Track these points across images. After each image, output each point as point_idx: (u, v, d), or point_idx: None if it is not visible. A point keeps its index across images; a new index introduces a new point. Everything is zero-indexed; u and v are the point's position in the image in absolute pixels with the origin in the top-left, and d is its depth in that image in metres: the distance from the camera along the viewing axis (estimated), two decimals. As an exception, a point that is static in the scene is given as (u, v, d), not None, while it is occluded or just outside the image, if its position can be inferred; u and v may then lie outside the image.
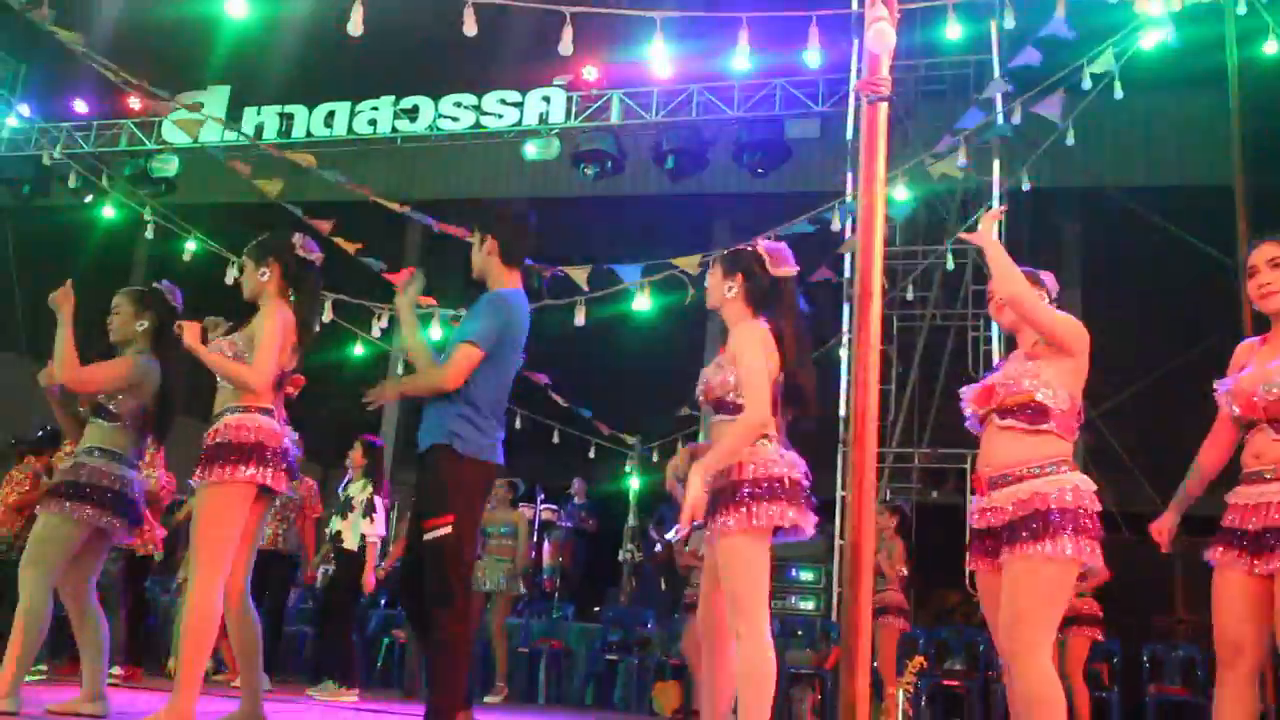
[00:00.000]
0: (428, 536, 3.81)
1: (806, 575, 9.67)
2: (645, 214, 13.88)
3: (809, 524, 3.51)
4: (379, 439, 8.04)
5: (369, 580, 7.52)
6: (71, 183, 10.83)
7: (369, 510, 7.49)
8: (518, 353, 4.07)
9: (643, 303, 8.69)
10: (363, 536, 7.56)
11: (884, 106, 2.99)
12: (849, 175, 10.82)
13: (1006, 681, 3.31)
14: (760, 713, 3.36)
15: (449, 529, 3.76)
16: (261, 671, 4.33)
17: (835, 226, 8.69)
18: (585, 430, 11.46)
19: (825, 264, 9.53)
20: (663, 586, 11.24)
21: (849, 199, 9.39)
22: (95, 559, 4.61)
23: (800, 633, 9.21)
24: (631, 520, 11.29)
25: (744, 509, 3.44)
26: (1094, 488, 3.29)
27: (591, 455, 11.28)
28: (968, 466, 10.09)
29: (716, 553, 3.50)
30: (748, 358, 3.59)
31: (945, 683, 8.68)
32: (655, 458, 11.59)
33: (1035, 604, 3.19)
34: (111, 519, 4.44)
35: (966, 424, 3.60)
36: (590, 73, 12.69)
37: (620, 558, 11.06)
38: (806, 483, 3.56)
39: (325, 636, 7.81)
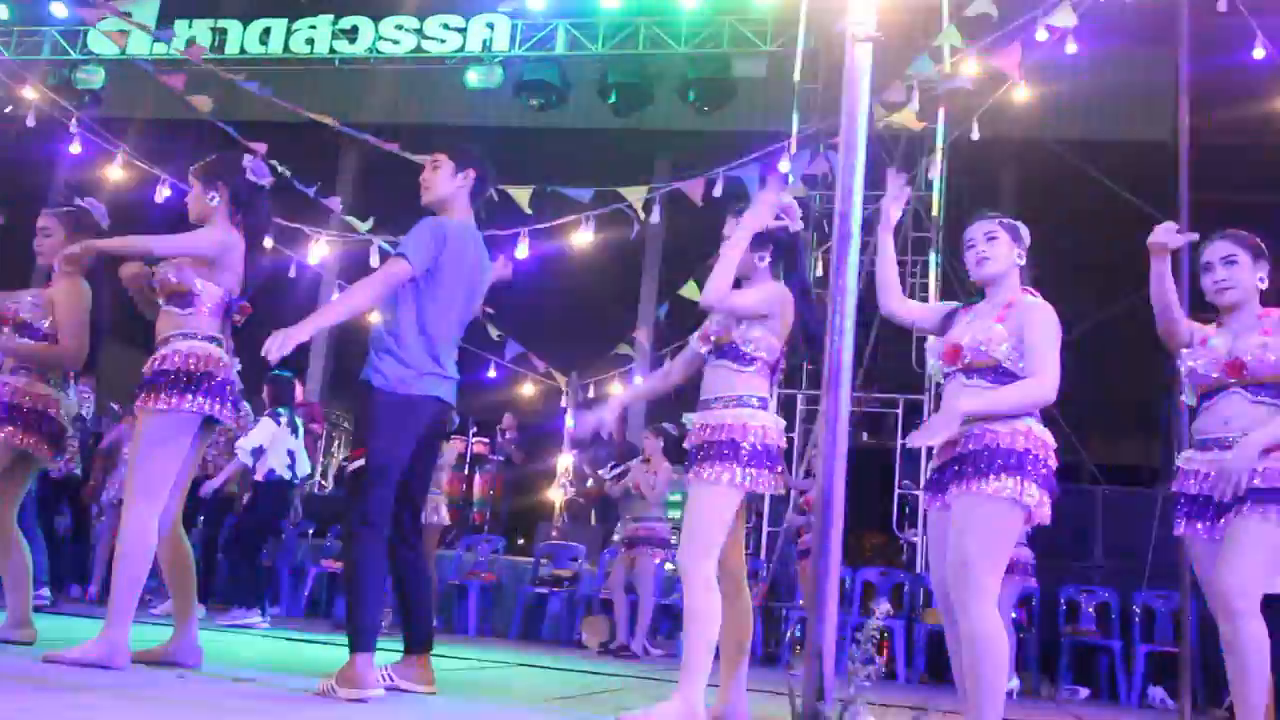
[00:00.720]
0: (349, 466, 3.86)
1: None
2: (587, 147, 13.70)
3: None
4: (287, 372, 7.99)
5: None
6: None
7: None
8: (464, 288, 3.97)
9: (585, 235, 8.59)
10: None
11: (868, 46, 2.95)
12: (794, 116, 10.78)
13: (948, 623, 3.37)
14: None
15: (361, 462, 3.76)
16: (195, 600, 4.27)
17: (784, 169, 8.64)
18: (521, 365, 11.39)
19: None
20: (593, 522, 11.34)
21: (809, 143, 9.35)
22: (19, 485, 4.49)
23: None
24: (566, 457, 11.29)
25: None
26: (1050, 438, 3.34)
27: (527, 391, 11.24)
28: (899, 411, 10.23)
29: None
30: None
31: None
32: (590, 394, 11.58)
33: (982, 546, 3.22)
34: (35, 441, 4.32)
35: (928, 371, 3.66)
36: (536, 1, 12.42)
37: (551, 493, 11.09)
38: None
39: (231, 564, 7.89)
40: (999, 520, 3.23)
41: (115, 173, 9.79)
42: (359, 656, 3.60)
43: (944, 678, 8.62)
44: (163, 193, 8.99)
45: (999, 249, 3.50)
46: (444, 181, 4.05)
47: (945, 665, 8.76)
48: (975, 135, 8.09)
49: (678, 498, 8.75)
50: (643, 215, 8.57)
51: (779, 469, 3.73)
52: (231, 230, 4.10)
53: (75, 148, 9.44)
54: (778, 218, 3.89)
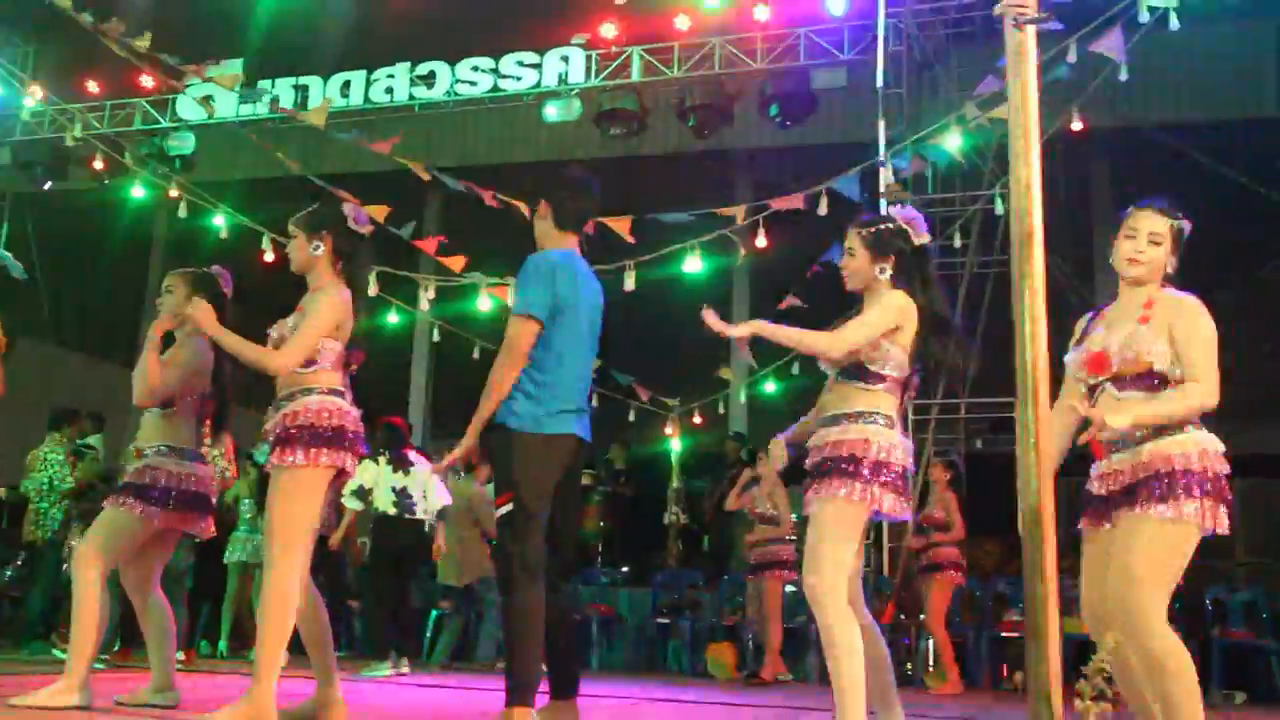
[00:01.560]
0: (496, 513, 3.77)
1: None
2: (669, 172, 13.65)
3: None
4: (400, 420, 8.09)
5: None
6: (97, 163, 10.65)
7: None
8: (579, 314, 3.88)
9: (694, 262, 8.54)
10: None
11: (1032, 30, 2.80)
12: (880, 124, 10.59)
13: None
14: None
15: (508, 507, 3.69)
16: (334, 655, 4.22)
17: (888, 179, 8.47)
18: (625, 394, 11.31)
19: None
20: (705, 547, 11.19)
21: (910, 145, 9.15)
22: (163, 552, 4.51)
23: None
24: (675, 483, 11.15)
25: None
26: (1218, 444, 3.15)
27: (631, 419, 11.16)
28: (1014, 415, 9.89)
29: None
30: None
31: (1005, 634, 8.57)
32: (696, 420, 11.47)
33: (1154, 568, 3.07)
34: (180, 515, 4.34)
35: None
36: (609, 30, 12.41)
37: (665, 521, 10.95)
38: None
39: (361, 613, 7.90)
40: (1178, 543, 3.09)
41: (214, 233, 9.98)
42: (516, 711, 3.50)
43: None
44: (266, 248, 9.08)
45: (1157, 255, 3.33)
46: (536, 224, 4.04)
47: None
48: (1076, 125, 7.83)
49: (794, 517, 8.61)
50: (734, 238, 8.45)
51: (904, 490, 3.57)
52: (340, 283, 4.07)
53: (182, 211, 9.64)
54: (900, 229, 3.76)
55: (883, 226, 3.80)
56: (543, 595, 3.68)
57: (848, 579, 3.52)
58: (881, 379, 3.61)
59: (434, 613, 9.46)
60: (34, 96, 11.14)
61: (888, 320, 3.61)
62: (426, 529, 7.83)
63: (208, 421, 4.63)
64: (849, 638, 3.40)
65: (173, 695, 4.43)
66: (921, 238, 3.78)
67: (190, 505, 4.38)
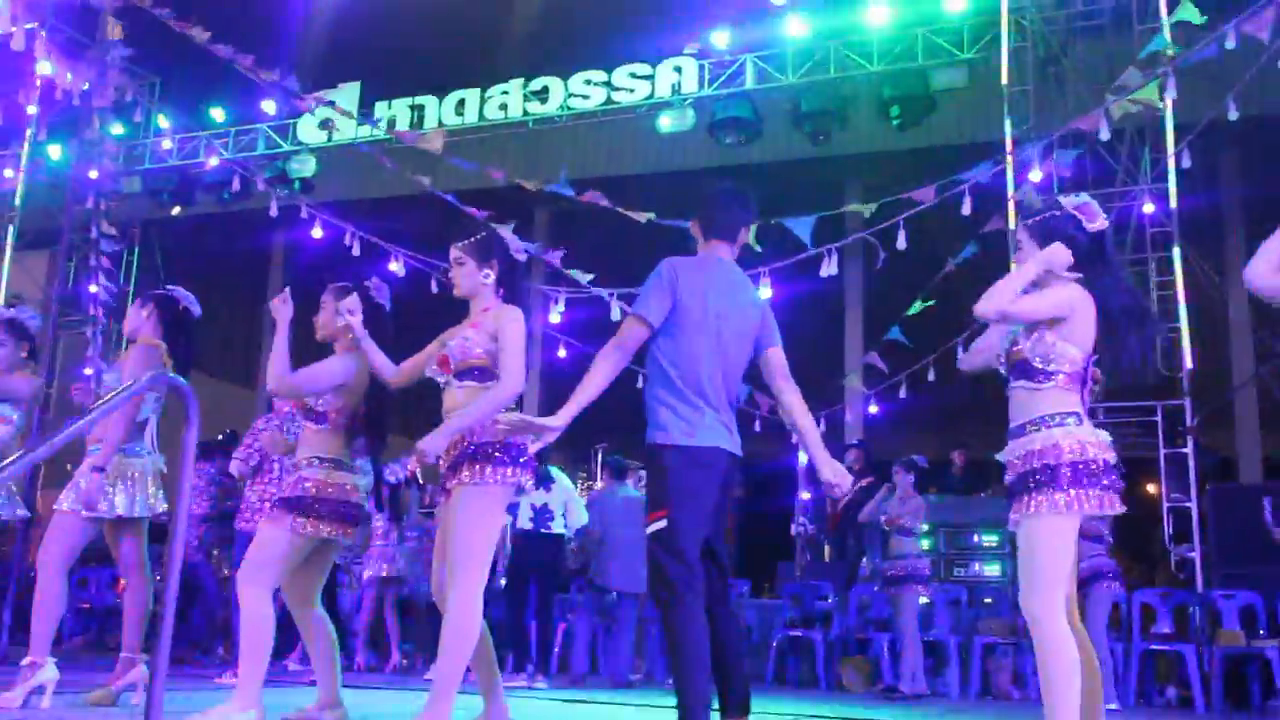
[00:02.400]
0: (648, 529, 3.67)
1: (990, 539, 9.30)
2: (782, 179, 13.51)
3: None
4: None
5: None
6: (235, 186, 10.93)
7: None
8: (714, 322, 3.71)
9: (830, 268, 8.41)
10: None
11: None
12: (1007, 123, 10.32)
13: None
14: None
15: (662, 523, 3.59)
16: (498, 668, 4.18)
17: (1036, 174, 8.25)
18: (746, 403, 11.19)
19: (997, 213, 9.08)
20: (826, 558, 10.99)
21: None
22: (323, 569, 4.51)
23: (989, 600, 8.84)
24: (802, 493, 10.99)
25: None
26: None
27: (757, 429, 11.04)
28: (1159, 418, 9.55)
29: None
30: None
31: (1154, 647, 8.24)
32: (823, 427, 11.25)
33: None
34: (338, 529, 4.33)
35: None
36: (721, 38, 12.34)
37: (793, 531, 10.79)
38: None
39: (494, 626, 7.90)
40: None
41: (340, 253, 10.13)
42: (687, 731, 3.41)
43: (1247, 704, 7.93)
44: (394, 268, 9.19)
45: None
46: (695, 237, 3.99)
47: (1245, 691, 8.12)
48: (1233, 115, 7.51)
49: (926, 527, 8.43)
50: (871, 240, 8.29)
51: (1112, 485, 3.39)
52: (510, 306, 4.08)
53: (317, 231, 9.84)
54: (1068, 216, 3.60)
55: (1049, 214, 3.64)
56: (701, 613, 3.57)
57: (1065, 595, 3.36)
58: (1049, 376, 3.43)
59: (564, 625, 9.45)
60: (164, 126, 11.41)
61: (1050, 305, 3.44)
62: (568, 544, 7.85)
63: (360, 439, 4.62)
64: (1067, 662, 3.23)
65: (340, 711, 4.42)
66: (1095, 224, 3.58)
67: (342, 516, 4.37)
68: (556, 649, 9.47)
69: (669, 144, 13.33)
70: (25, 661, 4.67)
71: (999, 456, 3.62)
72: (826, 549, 11.10)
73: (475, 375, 3.93)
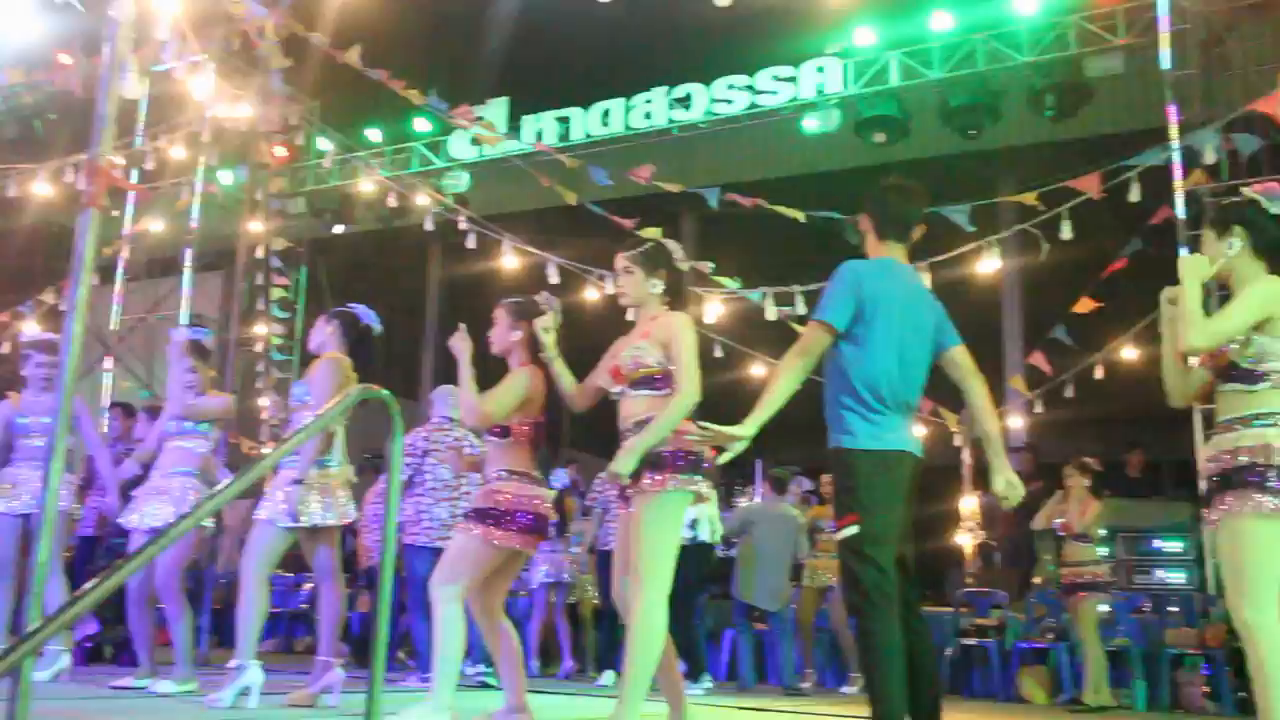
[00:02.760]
0: (837, 537, 3.69)
1: (1174, 545, 8.92)
2: (932, 176, 13.28)
3: None
4: None
5: None
6: (392, 201, 11.30)
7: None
8: (897, 324, 3.72)
9: (993, 261, 8.24)
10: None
11: None
12: (1172, 108, 9.94)
13: None
14: None
15: (853, 529, 3.58)
16: (681, 676, 4.23)
17: (1209, 158, 7.95)
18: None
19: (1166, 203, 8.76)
20: (996, 564, 10.74)
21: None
22: (509, 575, 4.63)
23: (1174, 609, 8.50)
24: (970, 499, 10.76)
25: None
26: None
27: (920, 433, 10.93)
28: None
29: None
30: None
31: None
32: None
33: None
34: (528, 541, 4.45)
35: None
36: (865, 36, 12.20)
37: (960, 538, 10.57)
38: None
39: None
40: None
41: (497, 266, 10.39)
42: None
43: None
44: (550, 279, 9.37)
45: None
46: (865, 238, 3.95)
47: None
48: None
49: (1103, 532, 8.17)
50: (1034, 231, 8.09)
51: None
52: (671, 311, 4.12)
53: (470, 242, 10.06)
54: (1249, 200, 3.47)
55: (1228, 201, 3.52)
56: (896, 620, 3.55)
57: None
58: (1262, 376, 3.32)
59: (730, 632, 9.47)
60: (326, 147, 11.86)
61: (1250, 310, 3.33)
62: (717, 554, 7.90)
63: (541, 448, 4.72)
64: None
65: (526, 716, 4.53)
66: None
67: (532, 528, 4.48)
68: (724, 656, 9.51)
69: (814, 145, 13.26)
70: (232, 664, 4.92)
71: (1203, 455, 3.52)
72: (997, 555, 10.85)
73: (649, 384, 3.98)
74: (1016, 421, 11.15)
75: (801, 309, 9.49)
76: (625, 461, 3.83)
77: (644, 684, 3.79)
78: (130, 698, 5.26)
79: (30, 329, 10.12)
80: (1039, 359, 9.66)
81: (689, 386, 3.91)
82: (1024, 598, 9.08)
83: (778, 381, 3.71)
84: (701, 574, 7.98)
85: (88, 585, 2.36)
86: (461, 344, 4.53)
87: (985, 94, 11.95)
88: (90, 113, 3.26)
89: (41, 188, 10.15)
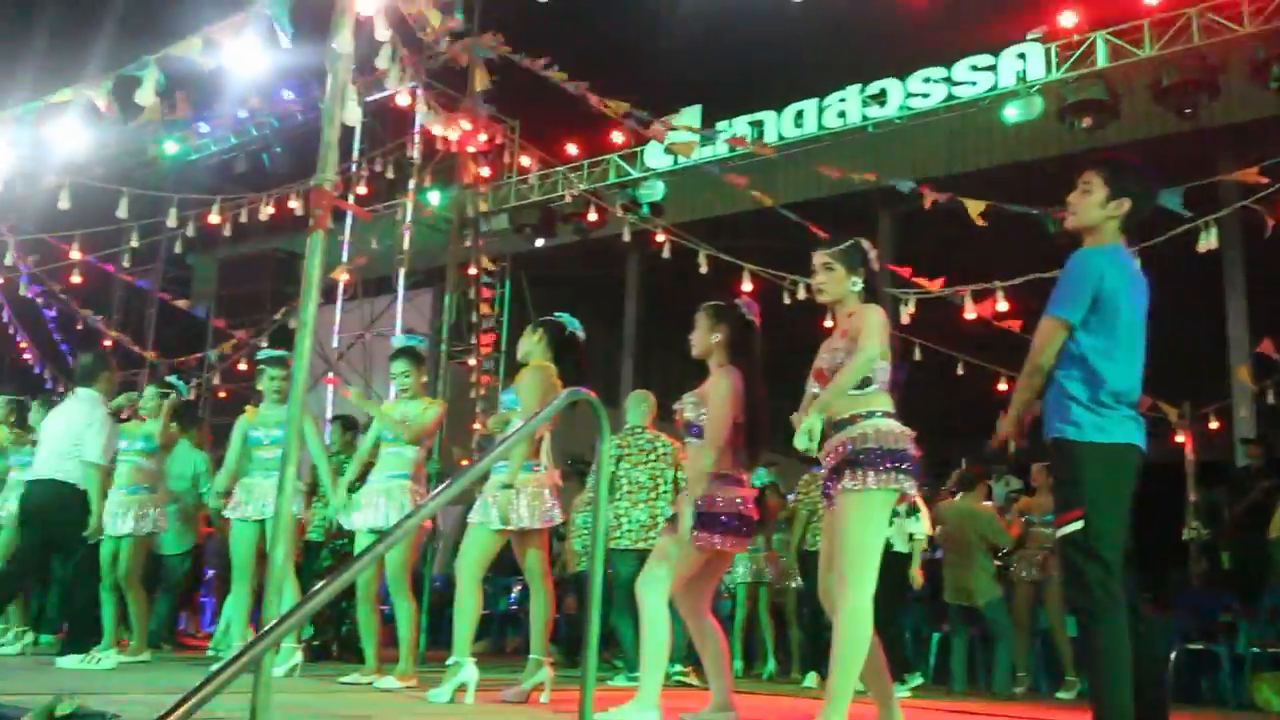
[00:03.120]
0: (1058, 533, 3.57)
1: None
2: (1145, 159, 12.65)
3: None
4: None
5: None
6: (591, 215, 11.60)
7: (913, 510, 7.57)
8: (1126, 312, 3.58)
9: (1210, 242, 7.81)
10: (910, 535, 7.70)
11: None
12: None
13: None
14: None
15: (1076, 524, 3.45)
16: (889, 678, 4.18)
17: None
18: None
19: None
20: (1225, 564, 10.12)
21: None
22: (714, 577, 4.68)
23: None
24: (1193, 495, 10.19)
25: None
26: None
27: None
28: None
29: None
30: None
31: None
32: (1213, 424, 10.44)
33: None
34: (732, 541, 4.49)
35: None
36: (1069, 18, 11.74)
37: (1184, 537, 10.02)
38: None
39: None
40: None
41: (693, 272, 10.48)
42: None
43: None
44: (746, 285, 9.41)
45: None
46: (1091, 209, 3.72)
47: None
48: None
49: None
50: (1257, 208, 7.60)
51: None
52: (871, 306, 4.08)
53: (666, 253, 10.21)
54: None
55: None
56: (1124, 622, 3.41)
57: None
58: None
59: (934, 635, 9.26)
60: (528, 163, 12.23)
61: None
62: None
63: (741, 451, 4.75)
64: None
65: (732, 715, 4.56)
66: None
67: (736, 529, 4.51)
68: (933, 660, 9.30)
69: (1015, 135, 12.85)
70: (449, 661, 5.15)
71: None
72: (1225, 555, 10.24)
73: (856, 384, 3.95)
74: (1242, 412, 10.51)
75: (1003, 305, 9.19)
76: (812, 421, 3.81)
77: (849, 686, 3.76)
78: (357, 692, 5.56)
79: (264, 347, 10.83)
80: (1268, 347, 9.06)
81: (868, 344, 3.85)
82: (1258, 600, 8.52)
83: (1025, 383, 3.69)
84: (900, 578, 7.86)
85: (319, 585, 2.52)
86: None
87: (1203, 70, 11.31)
88: (311, 145, 3.49)
89: (269, 215, 10.84)
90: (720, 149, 12.89)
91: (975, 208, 8.88)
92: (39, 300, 13.94)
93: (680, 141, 9.77)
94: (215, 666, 2.34)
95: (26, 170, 8.02)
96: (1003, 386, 10.37)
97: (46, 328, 14.46)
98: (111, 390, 7.00)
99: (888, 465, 3.79)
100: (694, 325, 4.80)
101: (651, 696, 4.40)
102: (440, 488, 2.81)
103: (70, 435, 6.64)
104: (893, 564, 7.67)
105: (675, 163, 13.35)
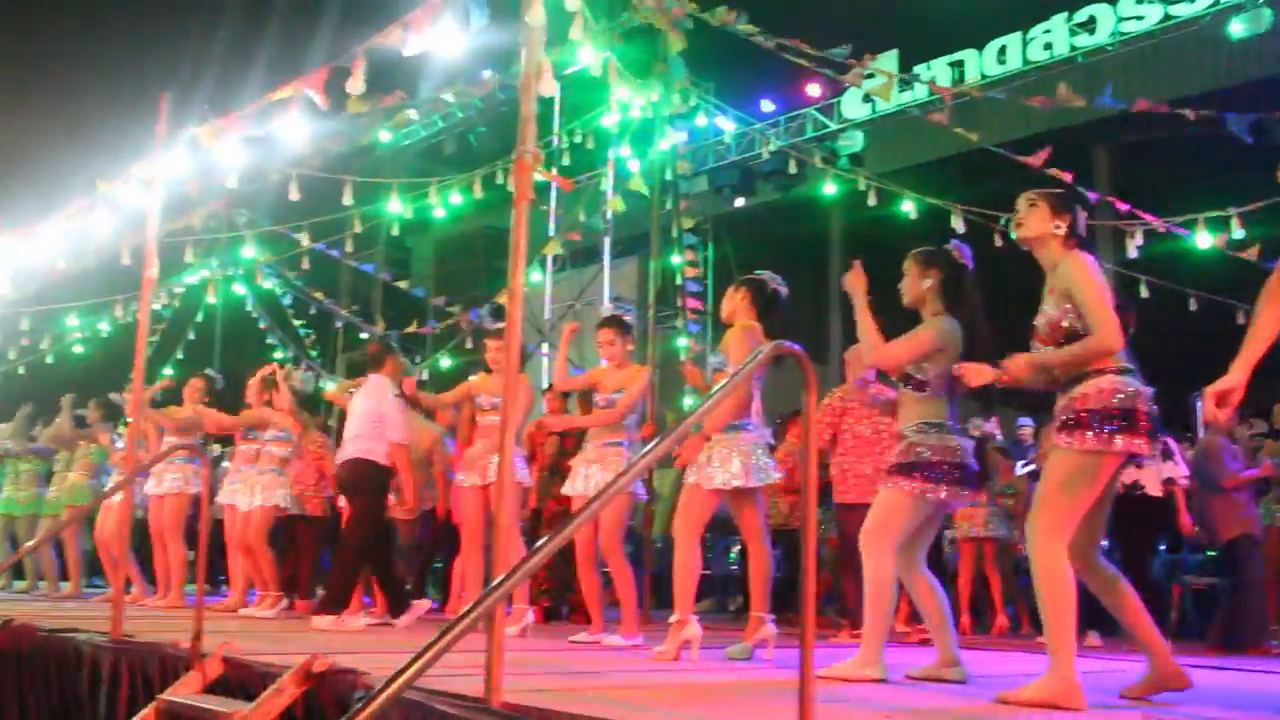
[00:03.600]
0: None
1: None
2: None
3: None
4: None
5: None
6: (791, 170, 11.50)
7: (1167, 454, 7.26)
8: None
9: None
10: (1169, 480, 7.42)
11: None
12: None
13: None
14: None
15: None
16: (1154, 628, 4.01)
17: None
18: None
19: None
20: None
21: None
22: (931, 531, 4.60)
23: None
24: None
25: None
26: None
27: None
28: None
29: None
30: None
31: None
32: None
33: None
34: (954, 493, 4.39)
35: None
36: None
37: None
38: None
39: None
40: None
41: (896, 222, 10.25)
42: None
43: None
44: (954, 225, 9.14)
45: None
46: None
47: None
48: None
49: None
50: None
51: None
52: (1080, 253, 3.89)
53: (871, 200, 10.03)
54: None
55: None
56: None
57: None
58: None
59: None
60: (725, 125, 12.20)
61: None
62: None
63: (957, 401, 4.63)
64: None
65: (959, 670, 4.48)
66: None
67: (957, 479, 4.41)
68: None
69: (1241, 53, 11.93)
70: (672, 619, 5.24)
71: None
72: None
73: (1070, 339, 3.79)
74: None
75: (1238, 233, 8.59)
76: (1016, 364, 3.70)
77: (1062, 635, 3.64)
78: (585, 651, 5.74)
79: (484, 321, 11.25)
80: None
81: (1101, 329, 3.68)
82: None
83: (1262, 320, 3.44)
84: (1154, 526, 7.53)
85: (540, 543, 2.62)
86: (856, 279, 4.55)
87: None
88: (513, 121, 3.58)
89: (477, 193, 11.19)
90: (919, 92, 12.50)
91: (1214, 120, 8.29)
92: (275, 289, 14.91)
93: (878, 85, 9.47)
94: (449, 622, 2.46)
95: (258, 166, 8.54)
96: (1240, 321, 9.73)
97: (285, 313, 15.43)
98: (398, 374, 7.42)
99: (1107, 427, 3.63)
100: (903, 274, 4.71)
101: (875, 652, 4.37)
102: (648, 447, 2.86)
103: (369, 418, 7.08)
104: (1145, 510, 7.37)
105: (874, 111, 13.04)
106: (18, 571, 11.08)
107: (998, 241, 9.54)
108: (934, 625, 4.58)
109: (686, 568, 5.28)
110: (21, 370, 13.72)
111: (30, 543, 9.68)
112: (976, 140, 9.27)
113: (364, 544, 6.97)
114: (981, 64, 12.96)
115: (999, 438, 9.59)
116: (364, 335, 15.14)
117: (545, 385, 11.86)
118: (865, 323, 4.53)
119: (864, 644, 4.42)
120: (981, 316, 4.51)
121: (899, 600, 4.79)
